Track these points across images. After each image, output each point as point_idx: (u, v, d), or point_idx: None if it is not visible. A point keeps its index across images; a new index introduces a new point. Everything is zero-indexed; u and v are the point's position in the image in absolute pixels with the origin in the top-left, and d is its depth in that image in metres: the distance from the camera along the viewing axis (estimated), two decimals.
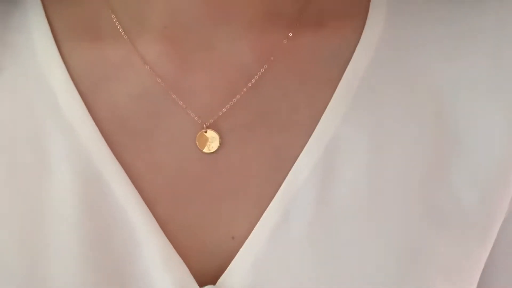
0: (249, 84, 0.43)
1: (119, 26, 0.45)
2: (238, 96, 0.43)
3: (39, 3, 0.46)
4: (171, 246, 0.41)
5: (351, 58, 0.44)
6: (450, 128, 0.43)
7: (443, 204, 0.42)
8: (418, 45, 0.45)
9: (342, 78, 0.43)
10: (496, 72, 0.44)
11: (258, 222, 0.41)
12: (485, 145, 0.43)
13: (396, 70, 0.44)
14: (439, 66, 0.44)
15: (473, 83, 0.44)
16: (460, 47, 0.45)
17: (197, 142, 0.43)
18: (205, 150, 0.42)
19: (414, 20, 0.45)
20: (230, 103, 0.43)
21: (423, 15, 0.45)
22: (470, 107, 0.43)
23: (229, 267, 0.41)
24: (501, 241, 0.45)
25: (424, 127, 0.43)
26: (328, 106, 0.43)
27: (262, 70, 0.44)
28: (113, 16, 0.45)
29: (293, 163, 0.42)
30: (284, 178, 0.42)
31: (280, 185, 0.41)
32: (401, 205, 0.41)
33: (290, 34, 0.44)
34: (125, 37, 0.44)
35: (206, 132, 0.43)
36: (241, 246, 0.41)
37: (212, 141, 0.42)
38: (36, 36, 0.45)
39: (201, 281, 0.41)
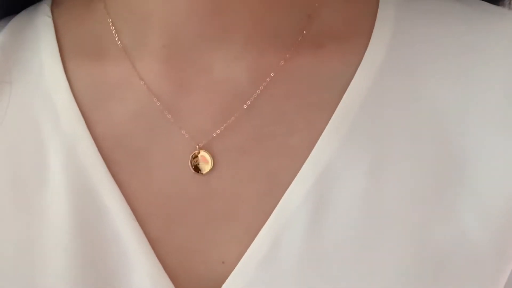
0: (245, 106, 0.43)
1: (120, 45, 0.45)
2: (233, 118, 0.43)
3: (51, 23, 0.47)
4: (161, 267, 0.41)
5: (350, 81, 0.42)
6: (456, 158, 0.41)
7: (447, 241, 0.40)
8: (423, 69, 0.43)
9: (340, 103, 0.42)
10: (508, 98, 0.41)
11: (248, 249, 0.40)
12: (494, 178, 0.40)
13: (398, 96, 0.42)
14: (446, 91, 0.42)
15: (483, 111, 0.42)
16: (469, 73, 0.42)
17: (190, 163, 0.42)
18: (198, 171, 0.42)
19: (421, 40, 0.44)
20: (224, 124, 0.43)
21: (432, 33, 0.44)
22: (479, 137, 0.41)
23: None
24: None
25: (426, 156, 0.41)
26: (324, 131, 0.41)
27: (258, 91, 0.43)
28: (115, 35, 0.46)
29: (286, 189, 0.41)
30: (276, 204, 0.41)
31: (271, 211, 0.41)
32: (397, 241, 0.40)
33: (286, 57, 0.43)
34: (126, 56, 0.45)
35: (199, 153, 0.42)
36: (231, 271, 0.40)
37: (205, 163, 0.42)
38: (44, 54, 0.46)
39: None
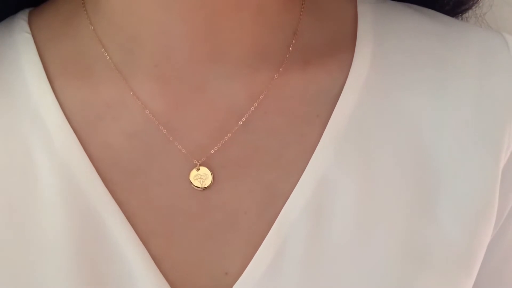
0: (240, 122, 0.44)
1: (111, 64, 0.45)
2: (229, 134, 0.43)
3: (31, 39, 0.46)
4: (166, 282, 0.41)
5: (339, 96, 0.44)
6: (433, 168, 0.43)
7: (429, 239, 0.42)
8: (403, 80, 0.45)
9: (331, 117, 0.43)
10: (478, 106, 0.45)
11: (252, 259, 0.41)
12: (466, 185, 0.43)
13: (382, 106, 0.44)
14: (422, 101, 0.44)
15: (456, 118, 0.44)
16: (443, 82, 0.45)
17: (190, 179, 0.43)
18: (198, 187, 0.43)
19: (400, 53, 0.46)
20: (222, 141, 0.43)
21: (408, 47, 0.46)
22: (453, 142, 0.44)
23: None
24: (482, 268, 0.46)
25: (408, 167, 0.43)
26: (318, 145, 0.43)
27: (252, 108, 0.44)
28: (105, 53, 0.45)
29: (285, 201, 0.42)
30: (277, 215, 0.42)
31: (272, 222, 0.42)
32: (388, 242, 0.42)
33: (277, 74, 0.44)
34: (118, 74, 0.44)
35: (199, 169, 0.43)
36: (235, 282, 0.41)
37: (205, 179, 0.43)
38: (29, 74, 0.45)
39: None
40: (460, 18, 0.52)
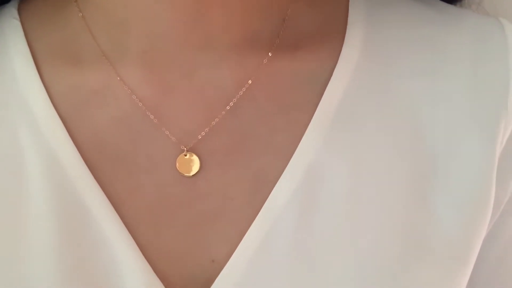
0: (227, 107, 0.43)
1: (99, 50, 0.44)
2: (216, 119, 0.43)
3: (19, 26, 0.46)
4: (152, 272, 0.40)
5: (328, 81, 0.44)
6: (428, 153, 0.43)
7: (425, 228, 0.42)
8: (396, 66, 0.44)
9: (320, 102, 0.43)
10: (473, 93, 0.44)
11: (238, 246, 0.41)
12: (463, 167, 0.43)
13: (374, 92, 0.44)
14: (416, 87, 0.44)
15: (451, 104, 0.44)
16: (437, 68, 0.45)
17: (177, 165, 0.42)
18: (185, 173, 0.42)
19: (392, 40, 0.45)
20: (209, 126, 0.43)
21: (401, 34, 0.46)
22: (448, 129, 0.43)
23: None
24: (481, 262, 0.45)
25: (402, 150, 0.43)
26: (307, 130, 0.42)
27: (240, 93, 0.44)
28: (93, 40, 0.45)
29: (273, 187, 0.41)
30: (264, 201, 0.41)
31: (260, 208, 0.41)
32: (381, 230, 0.41)
33: (266, 60, 0.44)
34: (106, 61, 0.44)
35: (186, 155, 0.42)
36: (222, 269, 0.41)
37: (192, 165, 0.42)
38: (17, 61, 0.44)
39: None
40: (459, 6, 0.51)
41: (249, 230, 0.41)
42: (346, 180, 0.42)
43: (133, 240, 0.41)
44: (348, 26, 0.45)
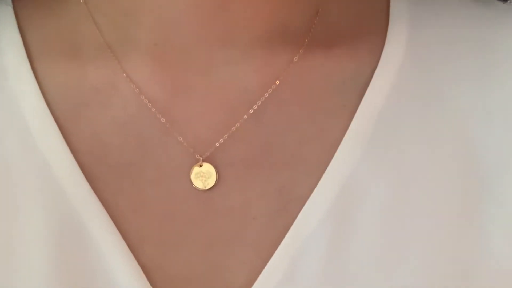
0: (250, 111, 0.40)
1: (104, 43, 0.41)
2: (237, 125, 0.40)
3: (11, 12, 0.43)
4: None
5: (368, 84, 0.41)
6: (480, 169, 0.40)
7: (473, 257, 0.38)
8: (443, 69, 0.41)
9: (359, 108, 0.40)
10: None
11: (261, 274, 0.37)
12: None
13: (418, 99, 0.41)
14: (466, 94, 0.41)
15: (506, 116, 0.40)
16: (490, 73, 0.41)
17: (191, 178, 0.39)
18: (200, 187, 0.39)
19: (438, 40, 0.42)
20: (228, 132, 0.40)
21: (448, 34, 0.43)
22: (503, 145, 0.40)
23: None
24: None
25: (450, 167, 0.39)
26: (343, 139, 0.39)
27: (266, 95, 0.41)
28: (96, 30, 0.42)
29: (302, 206, 0.38)
30: (291, 223, 0.38)
31: (286, 231, 0.38)
32: (425, 259, 0.38)
33: (296, 58, 0.41)
34: (110, 54, 0.41)
35: (201, 166, 0.39)
36: None
37: (208, 177, 0.39)
38: (7, 53, 0.42)
39: None
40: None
41: (273, 256, 0.38)
42: (387, 200, 0.39)
43: (136, 263, 0.38)
44: (390, 22, 0.42)
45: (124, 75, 0.41)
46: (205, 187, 0.39)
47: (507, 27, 0.43)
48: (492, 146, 0.40)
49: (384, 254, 0.38)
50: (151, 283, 0.37)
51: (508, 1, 0.46)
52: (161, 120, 0.40)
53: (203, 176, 0.39)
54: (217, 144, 0.40)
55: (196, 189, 0.39)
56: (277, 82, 0.41)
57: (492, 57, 0.42)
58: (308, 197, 0.38)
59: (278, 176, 0.39)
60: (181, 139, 0.40)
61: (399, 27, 0.42)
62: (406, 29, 0.42)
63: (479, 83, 0.41)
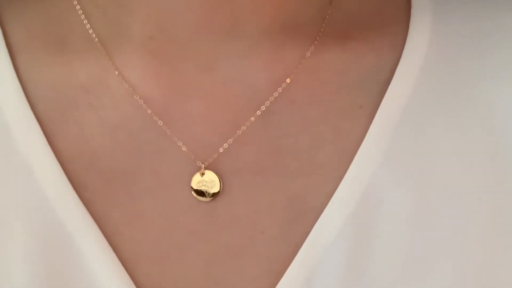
0: (258, 112, 0.38)
1: (93, 35, 0.39)
2: (244, 128, 0.38)
3: None
4: None
5: (390, 81, 0.38)
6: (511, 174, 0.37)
7: (504, 273, 0.36)
8: (470, 65, 0.39)
9: (380, 108, 0.38)
10: None
11: None
12: None
13: (445, 98, 0.38)
14: (497, 93, 0.39)
15: None
16: None
17: (192, 187, 0.37)
18: (202, 197, 0.37)
19: (464, 32, 0.40)
20: (234, 136, 0.38)
21: (475, 26, 0.41)
22: None
23: None
24: None
25: (480, 173, 0.37)
26: (363, 142, 0.37)
27: (275, 94, 0.38)
28: (85, 21, 0.39)
29: (317, 216, 0.36)
30: (304, 237, 0.36)
31: (298, 246, 0.36)
32: (453, 274, 0.36)
33: (309, 53, 0.39)
34: (101, 48, 0.39)
35: (203, 174, 0.37)
36: None
37: (211, 186, 0.37)
38: None
39: None
40: None
41: (285, 273, 0.36)
42: (411, 209, 0.36)
43: (131, 280, 0.36)
44: (412, 12, 0.40)
45: (116, 72, 0.39)
46: (207, 197, 0.37)
47: None
48: None
49: (408, 268, 0.36)
50: None
51: None
52: (158, 122, 0.38)
53: (206, 185, 0.37)
54: (221, 150, 0.38)
55: (197, 199, 0.37)
56: (288, 80, 0.38)
57: None
58: (323, 208, 0.36)
59: (289, 184, 0.37)
60: (181, 143, 0.38)
61: (422, 16, 0.40)
62: (429, 19, 0.40)
63: (509, 78, 0.39)
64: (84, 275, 0.35)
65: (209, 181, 0.37)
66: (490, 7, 0.41)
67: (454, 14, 0.40)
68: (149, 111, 0.38)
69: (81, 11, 0.40)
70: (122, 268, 0.36)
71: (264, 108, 0.38)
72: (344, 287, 0.35)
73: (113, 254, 0.36)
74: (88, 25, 0.39)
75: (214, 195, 0.37)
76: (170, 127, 0.38)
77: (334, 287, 0.35)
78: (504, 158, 0.37)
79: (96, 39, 0.39)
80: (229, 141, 0.38)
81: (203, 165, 0.38)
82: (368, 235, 0.36)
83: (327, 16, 0.40)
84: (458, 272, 0.36)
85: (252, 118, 0.38)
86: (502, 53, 0.39)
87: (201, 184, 0.37)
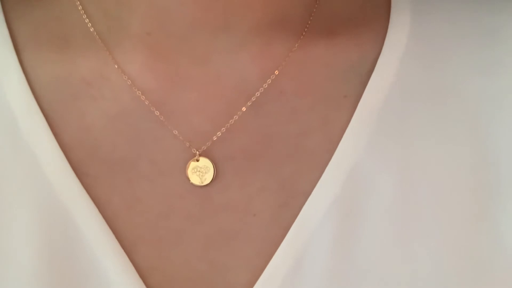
0: (249, 103, 0.39)
1: (94, 32, 0.40)
2: (236, 117, 0.39)
3: None
4: None
5: (371, 73, 0.39)
6: (491, 159, 0.38)
7: (484, 249, 0.37)
8: (448, 59, 0.40)
9: (363, 96, 0.38)
10: None
11: (264, 272, 0.36)
12: None
13: (426, 86, 0.39)
14: (475, 84, 0.39)
15: None
16: (501, 62, 0.40)
17: (187, 173, 0.38)
18: (197, 182, 0.38)
19: (444, 26, 0.41)
20: (226, 125, 0.38)
21: (454, 19, 0.41)
22: None
23: None
24: None
25: (459, 155, 0.38)
26: (347, 129, 0.38)
27: (265, 85, 0.39)
28: (86, 19, 0.40)
29: (305, 199, 0.37)
30: (295, 218, 0.37)
31: (289, 226, 0.37)
32: (437, 252, 0.36)
33: (296, 46, 0.40)
34: (101, 44, 0.40)
35: (198, 160, 0.38)
36: None
37: (205, 172, 0.38)
38: None
39: None
40: None
41: (276, 253, 0.36)
42: (394, 191, 0.37)
43: (130, 263, 0.36)
44: (392, 8, 0.41)
45: (116, 66, 0.39)
46: (202, 182, 0.38)
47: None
48: (504, 137, 0.38)
49: (393, 248, 0.36)
50: (146, 285, 0.36)
51: None
52: (155, 113, 0.38)
53: (200, 171, 0.38)
54: (215, 138, 0.38)
55: (193, 185, 0.38)
56: (276, 72, 0.39)
57: (502, 46, 0.40)
58: (311, 191, 0.37)
59: (279, 169, 0.38)
60: (177, 132, 0.38)
61: (402, 12, 0.41)
62: (409, 14, 0.41)
63: (488, 72, 0.40)
64: (85, 257, 0.36)
65: (203, 167, 0.38)
66: (467, 5, 0.41)
67: (432, 10, 0.41)
68: (146, 103, 0.38)
69: (82, 11, 0.40)
70: (122, 250, 0.36)
71: (254, 99, 0.39)
72: (331, 266, 0.36)
73: (113, 237, 0.36)
74: (90, 23, 0.40)
75: (209, 181, 0.37)
76: (167, 117, 0.38)
77: (321, 266, 0.36)
78: (482, 143, 0.38)
79: (97, 36, 0.40)
80: (222, 129, 0.38)
81: (197, 152, 0.38)
82: (353, 216, 0.36)
83: (313, 13, 0.40)
84: (439, 250, 0.36)
85: (244, 108, 0.38)
86: (476, 45, 0.40)
87: (196, 170, 0.38)
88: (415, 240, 0.36)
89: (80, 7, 0.40)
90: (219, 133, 0.38)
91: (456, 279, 0.36)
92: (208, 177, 0.37)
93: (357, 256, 0.36)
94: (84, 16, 0.40)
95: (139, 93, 0.39)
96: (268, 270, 0.36)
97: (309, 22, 0.40)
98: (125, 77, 0.39)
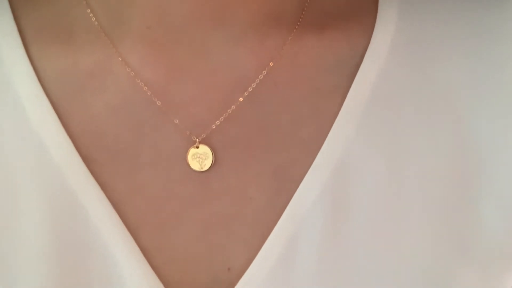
0: (246, 93, 0.40)
1: (98, 26, 0.41)
2: (233, 107, 0.39)
3: (6, 1, 0.41)
4: (157, 279, 0.37)
5: (360, 64, 0.40)
6: (472, 146, 0.39)
7: (468, 229, 0.38)
8: (435, 48, 0.41)
9: (352, 87, 0.39)
10: None
11: (259, 252, 0.37)
12: (510, 167, 0.39)
13: (409, 79, 0.40)
14: (460, 73, 0.40)
15: (499, 94, 0.40)
16: (482, 55, 0.41)
17: (188, 159, 0.39)
18: (197, 168, 0.38)
19: (430, 18, 0.42)
20: (224, 114, 0.39)
21: (440, 12, 0.42)
22: (496, 123, 0.40)
23: None
24: None
25: (443, 143, 0.39)
26: (336, 119, 0.39)
27: (260, 77, 0.40)
28: (91, 14, 0.41)
29: (298, 184, 0.38)
30: (288, 202, 0.38)
31: (283, 210, 0.38)
32: (421, 234, 0.38)
33: (289, 40, 0.41)
34: (105, 38, 0.40)
35: (197, 147, 0.39)
36: (239, 278, 0.37)
37: (204, 158, 0.39)
38: (2, 39, 0.41)
39: None
40: None
41: (270, 235, 0.37)
42: (382, 175, 0.38)
43: (135, 244, 0.37)
44: (380, 3, 0.42)
45: (119, 58, 0.40)
46: (202, 168, 0.38)
47: (497, 8, 0.42)
48: (485, 123, 0.39)
49: (381, 231, 0.37)
50: (150, 265, 0.37)
51: None
52: (157, 103, 0.39)
53: (200, 157, 0.38)
54: (213, 126, 0.39)
55: (193, 171, 0.38)
56: (271, 64, 0.40)
57: (486, 36, 0.41)
58: (303, 177, 0.38)
59: (274, 156, 0.39)
60: (177, 121, 0.39)
61: (389, 6, 0.41)
62: (396, 7, 0.41)
63: (472, 61, 0.40)
64: (93, 239, 0.37)
65: (203, 153, 0.38)
66: (453, 2, 0.42)
67: (418, 7, 0.42)
68: (149, 93, 0.39)
69: (86, 5, 0.41)
70: (128, 232, 0.37)
71: (251, 90, 0.39)
72: (322, 247, 0.37)
73: (120, 221, 0.37)
74: (94, 18, 0.40)
75: (208, 166, 0.38)
76: (168, 107, 0.39)
77: (313, 247, 0.37)
78: (463, 130, 0.39)
79: (100, 29, 0.40)
80: (220, 118, 0.39)
81: (197, 140, 0.39)
82: (343, 200, 0.37)
83: (305, 8, 0.41)
84: (425, 231, 0.38)
85: (241, 99, 0.39)
86: (461, 38, 0.41)
87: (195, 156, 0.38)
88: (402, 222, 0.38)
89: (84, 2, 0.41)
90: (217, 122, 0.39)
91: (441, 257, 0.38)
92: (207, 163, 0.38)
93: (347, 238, 0.37)
94: (88, 11, 0.40)
95: (141, 84, 0.39)
96: (263, 250, 0.37)
97: (301, 16, 0.41)
98: (128, 69, 0.40)
